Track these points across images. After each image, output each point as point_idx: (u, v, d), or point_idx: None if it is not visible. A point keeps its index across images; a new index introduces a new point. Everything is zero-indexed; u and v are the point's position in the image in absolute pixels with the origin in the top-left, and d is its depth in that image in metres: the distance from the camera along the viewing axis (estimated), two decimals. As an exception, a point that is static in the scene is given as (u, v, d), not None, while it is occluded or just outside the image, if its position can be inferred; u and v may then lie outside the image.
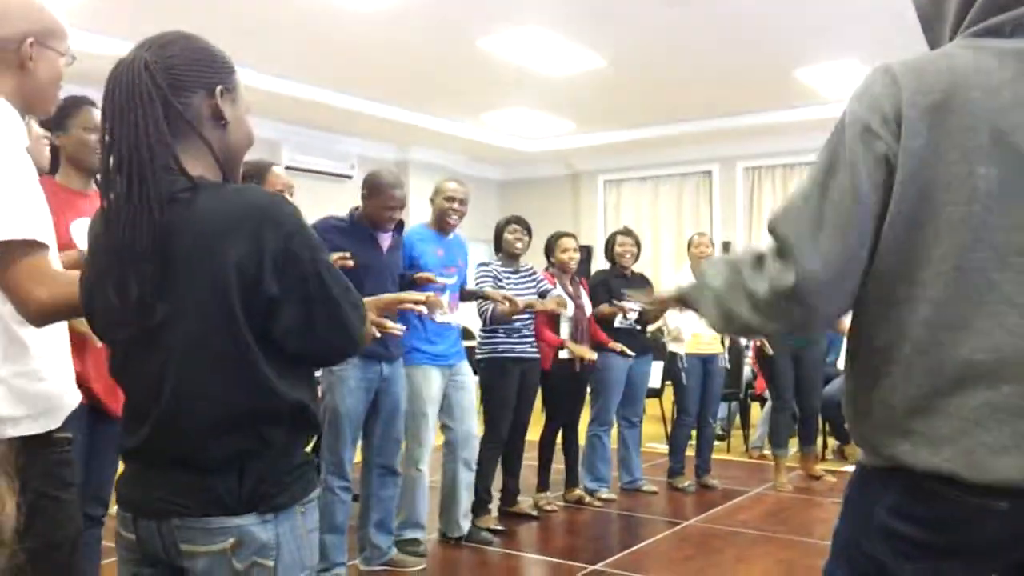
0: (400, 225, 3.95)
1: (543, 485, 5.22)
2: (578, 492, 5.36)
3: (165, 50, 1.39)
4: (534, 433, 5.13)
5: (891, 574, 1.32)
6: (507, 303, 4.41)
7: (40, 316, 1.61)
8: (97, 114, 2.53)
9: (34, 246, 1.60)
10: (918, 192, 1.25)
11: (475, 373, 4.55)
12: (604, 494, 5.43)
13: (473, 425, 4.43)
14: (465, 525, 4.46)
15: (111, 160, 1.35)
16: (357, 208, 3.90)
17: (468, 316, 4.84)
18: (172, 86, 1.37)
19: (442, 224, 4.30)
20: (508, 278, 4.75)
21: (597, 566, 4.15)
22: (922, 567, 1.30)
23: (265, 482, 1.39)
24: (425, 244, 4.21)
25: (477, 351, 4.76)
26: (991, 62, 1.26)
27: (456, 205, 4.26)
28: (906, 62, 1.31)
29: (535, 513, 5.02)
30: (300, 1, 5.62)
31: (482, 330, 4.70)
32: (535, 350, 4.82)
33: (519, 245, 4.85)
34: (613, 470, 5.65)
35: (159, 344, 1.37)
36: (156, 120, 1.34)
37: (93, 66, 2.46)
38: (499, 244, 4.93)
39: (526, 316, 4.70)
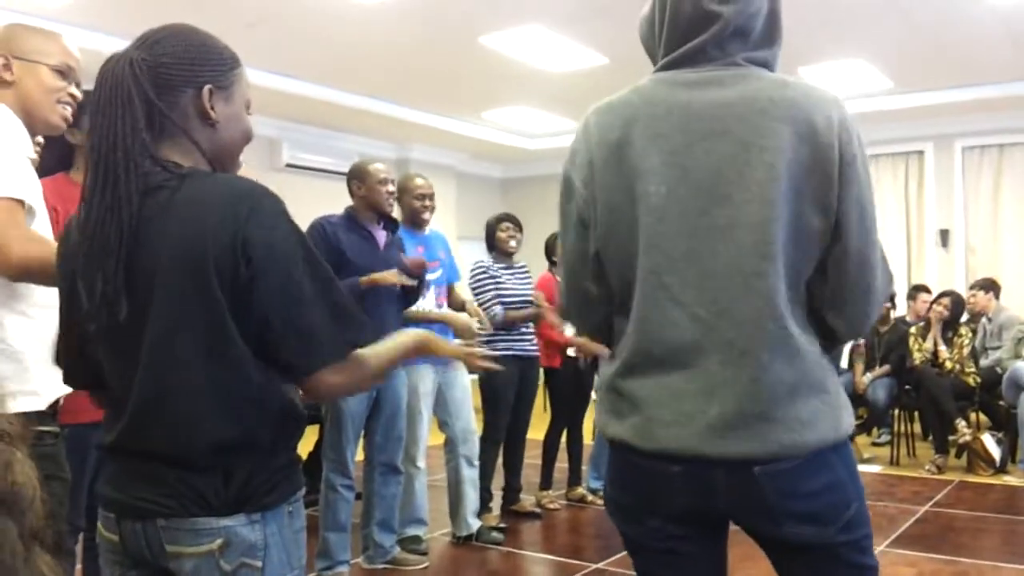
0: (395, 223, 3.93)
1: (546, 484, 5.21)
2: (580, 491, 5.34)
3: (156, 48, 1.37)
4: (537, 431, 5.12)
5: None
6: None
7: (9, 269, 1.69)
8: None
9: (14, 204, 1.70)
10: (613, 218, 1.46)
11: (471, 371, 4.53)
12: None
13: (470, 421, 4.40)
14: (474, 523, 4.43)
15: (91, 156, 1.35)
16: (352, 208, 3.88)
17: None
18: (157, 85, 1.35)
19: (416, 220, 4.25)
20: (504, 276, 4.74)
21: (600, 564, 4.13)
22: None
23: (252, 482, 1.36)
24: (405, 243, 4.17)
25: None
26: (663, 91, 1.48)
27: (427, 201, 4.23)
28: (604, 103, 1.54)
29: (538, 511, 5.01)
30: (301, -2, 5.60)
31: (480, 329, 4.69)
32: (535, 348, 4.81)
33: (512, 243, 4.83)
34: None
35: (135, 337, 1.34)
36: (134, 120, 1.32)
37: (86, 62, 2.46)
38: (492, 243, 4.90)
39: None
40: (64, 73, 1.95)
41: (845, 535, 1.45)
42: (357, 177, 3.84)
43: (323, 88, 7.75)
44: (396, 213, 3.97)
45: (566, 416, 5.22)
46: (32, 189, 1.76)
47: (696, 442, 1.38)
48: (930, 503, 5.06)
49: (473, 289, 4.70)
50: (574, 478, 5.37)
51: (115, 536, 1.41)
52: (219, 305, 1.30)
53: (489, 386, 4.64)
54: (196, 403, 1.33)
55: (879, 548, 4.01)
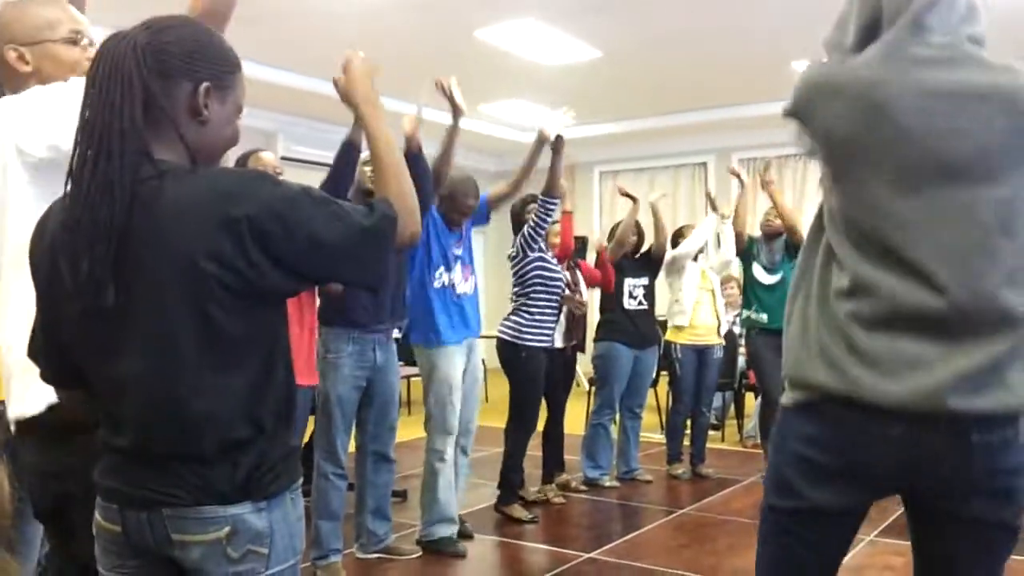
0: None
1: (548, 477, 5.25)
2: (565, 477, 5.41)
3: (162, 34, 1.35)
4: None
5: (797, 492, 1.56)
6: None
7: None
8: None
9: None
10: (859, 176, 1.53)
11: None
12: (606, 482, 5.48)
13: (475, 411, 4.38)
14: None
15: (82, 136, 1.33)
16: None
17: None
18: (157, 71, 1.33)
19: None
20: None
21: (593, 554, 4.18)
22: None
23: (259, 469, 1.37)
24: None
25: (516, 339, 4.69)
26: (903, 70, 1.48)
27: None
28: (828, 71, 1.60)
29: (545, 497, 5.07)
30: (296, -10, 5.61)
31: (525, 314, 4.70)
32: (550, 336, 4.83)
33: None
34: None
35: (120, 330, 1.33)
36: (133, 103, 1.30)
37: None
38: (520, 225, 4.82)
39: (552, 304, 4.75)
40: (75, 41, 1.84)
41: (1018, 519, 1.51)
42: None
43: (319, 81, 7.74)
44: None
45: (560, 406, 5.27)
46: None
47: (936, 399, 1.42)
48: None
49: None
50: (559, 465, 5.39)
51: (116, 527, 1.40)
52: (214, 294, 1.30)
53: (524, 376, 4.66)
54: (211, 403, 1.33)
55: (868, 537, 4.06)
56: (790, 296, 1.64)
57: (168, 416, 1.34)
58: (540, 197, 4.56)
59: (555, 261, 4.82)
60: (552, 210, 4.58)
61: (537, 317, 4.68)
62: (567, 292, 4.92)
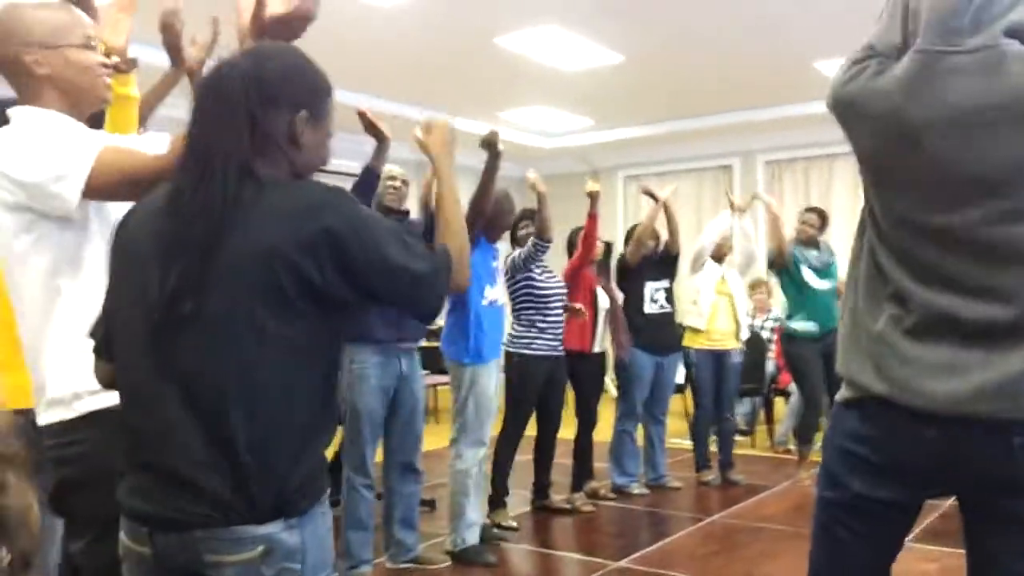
0: (406, 213, 4.01)
1: (577, 485, 5.22)
2: (594, 485, 5.37)
3: (264, 62, 1.44)
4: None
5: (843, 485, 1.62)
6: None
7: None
8: None
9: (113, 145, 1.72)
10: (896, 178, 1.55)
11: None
12: (635, 489, 5.44)
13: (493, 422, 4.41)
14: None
15: (188, 155, 1.40)
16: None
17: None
18: (260, 99, 1.40)
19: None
20: (535, 270, 4.79)
21: (622, 562, 4.15)
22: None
23: (291, 486, 1.37)
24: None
25: (509, 346, 4.71)
26: (928, 76, 1.47)
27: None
28: (866, 78, 1.56)
29: (568, 507, 5.04)
30: None
31: (518, 325, 4.71)
32: (561, 347, 4.81)
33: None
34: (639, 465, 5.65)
35: (178, 342, 1.35)
36: (238, 129, 1.38)
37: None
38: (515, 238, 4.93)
39: (551, 319, 4.72)
40: (89, 46, 1.84)
41: None
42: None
43: (340, 91, 7.75)
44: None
45: (592, 411, 5.24)
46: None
47: (970, 404, 1.45)
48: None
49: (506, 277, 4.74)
50: (588, 473, 5.35)
51: (146, 549, 1.39)
52: (282, 301, 1.33)
53: (517, 384, 4.65)
54: (257, 420, 1.34)
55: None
56: (843, 297, 1.68)
57: (214, 432, 1.34)
58: (533, 239, 4.59)
59: (546, 276, 4.78)
60: (543, 252, 4.63)
61: (527, 327, 4.67)
62: (575, 302, 4.90)
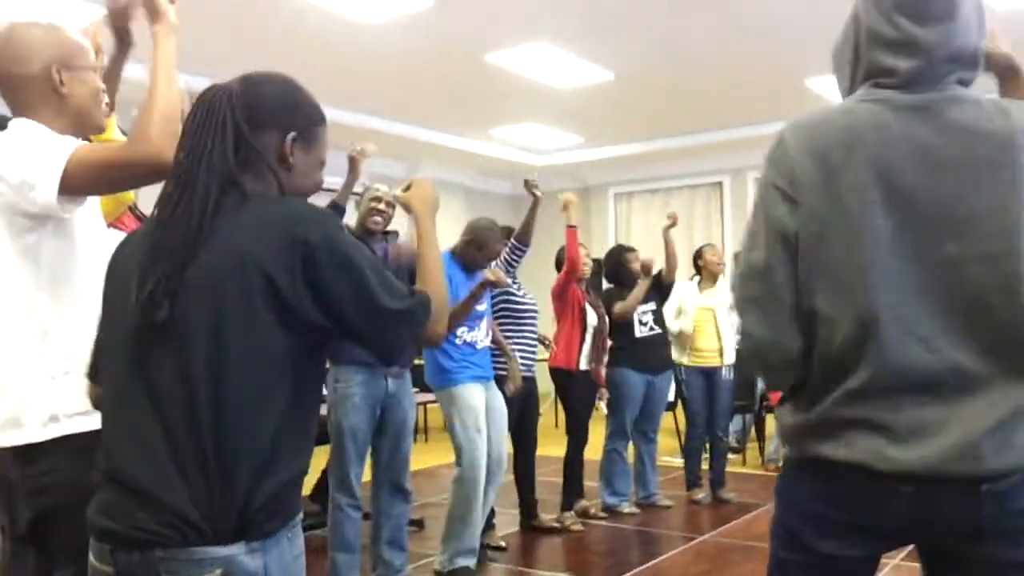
0: (394, 234, 3.98)
1: (567, 503, 5.18)
2: (583, 503, 5.33)
3: (256, 87, 1.47)
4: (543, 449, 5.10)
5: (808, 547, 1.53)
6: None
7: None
8: None
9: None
10: (826, 242, 1.42)
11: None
12: (625, 509, 5.40)
13: (504, 443, 4.37)
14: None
15: (176, 167, 1.42)
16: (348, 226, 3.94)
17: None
18: (249, 119, 1.43)
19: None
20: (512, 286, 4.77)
21: (612, 582, 4.11)
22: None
23: (254, 507, 1.34)
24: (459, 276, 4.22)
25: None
26: (881, 116, 1.43)
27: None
28: (806, 121, 1.49)
29: (558, 526, 5.00)
30: (307, 16, 5.63)
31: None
32: (532, 367, 4.78)
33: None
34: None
35: (158, 349, 1.35)
36: (224, 143, 1.40)
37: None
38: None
39: (525, 335, 4.71)
40: (96, 69, 1.90)
41: None
42: (361, 196, 3.95)
43: (332, 109, 7.76)
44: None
45: (582, 429, 5.21)
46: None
47: (936, 463, 1.39)
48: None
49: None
50: (578, 492, 5.30)
51: (110, 567, 1.38)
52: (261, 317, 1.33)
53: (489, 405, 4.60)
54: (228, 435, 1.32)
55: (893, 562, 3.97)
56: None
57: (181, 444, 1.32)
58: (512, 241, 4.59)
59: (522, 292, 4.80)
60: (521, 255, 4.62)
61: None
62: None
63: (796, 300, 1.46)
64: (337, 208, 3.70)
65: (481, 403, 4.14)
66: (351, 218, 3.90)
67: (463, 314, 3.96)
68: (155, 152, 1.66)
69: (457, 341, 4.10)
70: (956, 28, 1.44)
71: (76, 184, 1.68)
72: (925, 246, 1.40)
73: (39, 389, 1.73)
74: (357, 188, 3.98)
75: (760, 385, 7.15)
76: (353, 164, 3.93)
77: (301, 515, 1.47)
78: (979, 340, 1.40)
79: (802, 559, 1.56)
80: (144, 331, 1.36)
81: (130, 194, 2.07)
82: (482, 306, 4.19)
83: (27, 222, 1.72)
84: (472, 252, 4.25)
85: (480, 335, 4.20)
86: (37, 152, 1.69)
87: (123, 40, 2.15)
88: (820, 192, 1.42)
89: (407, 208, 1.77)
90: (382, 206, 3.86)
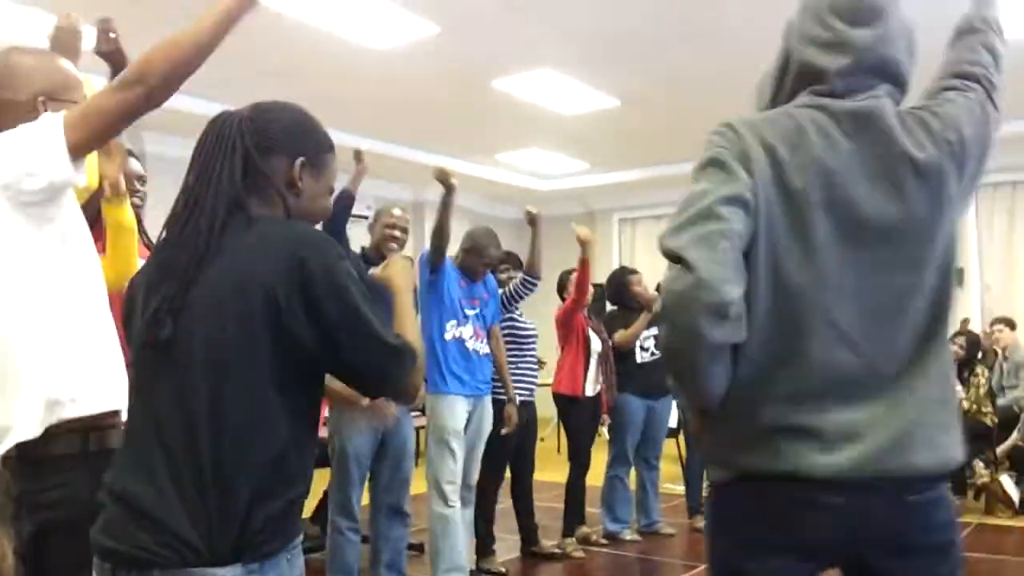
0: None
1: (568, 530, 5.15)
2: (585, 530, 5.30)
3: (266, 113, 1.51)
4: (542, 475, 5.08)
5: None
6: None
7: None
8: None
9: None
10: (773, 233, 1.42)
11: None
12: (627, 536, 5.37)
13: (475, 467, 4.34)
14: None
15: (185, 190, 1.46)
16: (365, 247, 3.99)
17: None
18: (257, 145, 1.47)
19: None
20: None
21: (612, 609, 4.08)
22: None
23: (253, 529, 1.35)
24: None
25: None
26: (820, 120, 1.46)
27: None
28: (756, 118, 1.54)
29: (559, 552, 4.97)
30: (314, 43, 5.69)
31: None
32: (532, 392, 4.79)
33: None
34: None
35: (164, 365, 1.37)
36: (232, 167, 1.44)
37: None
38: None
39: (527, 358, 4.73)
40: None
41: (957, 571, 1.50)
42: (375, 218, 3.98)
43: (339, 133, 7.81)
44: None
45: (585, 455, 5.19)
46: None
47: (864, 463, 1.40)
48: (949, 547, 4.95)
49: None
50: (580, 518, 5.28)
51: None
52: (261, 338, 1.35)
53: (494, 428, 4.58)
54: (227, 454, 1.33)
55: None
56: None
57: (180, 464, 1.33)
58: (523, 274, 4.64)
59: (524, 318, 4.85)
60: (531, 288, 4.66)
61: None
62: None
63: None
64: (348, 195, 3.68)
65: (460, 420, 4.10)
66: (364, 239, 3.95)
67: None
68: (145, 93, 1.63)
69: (447, 336, 4.08)
70: (885, 36, 1.50)
71: (83, 144, 1.67)
72: (859, 250, 1.43)
73: (46, 377, 1.70)
74: (365, 212, 4.01)
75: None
76: (359, 156, 3.97)
77: (301, 537, 1.48)
78: (901, 343, 1.43)
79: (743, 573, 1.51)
80: (148, 350, 1.38)
81: (94, 180, 2.04)
82: (471, 311, 4.19)
83: (44, 211, 1.69)
84: (472, 259, 4.29)
85: (468, 333, 4.16)
86: (29, 140, 1.67)
87: (116, 64, 2.17)
88: (769, 182, 1.43)
89: (384, 281, 1.77)
90: (397, 233, 3.91)
